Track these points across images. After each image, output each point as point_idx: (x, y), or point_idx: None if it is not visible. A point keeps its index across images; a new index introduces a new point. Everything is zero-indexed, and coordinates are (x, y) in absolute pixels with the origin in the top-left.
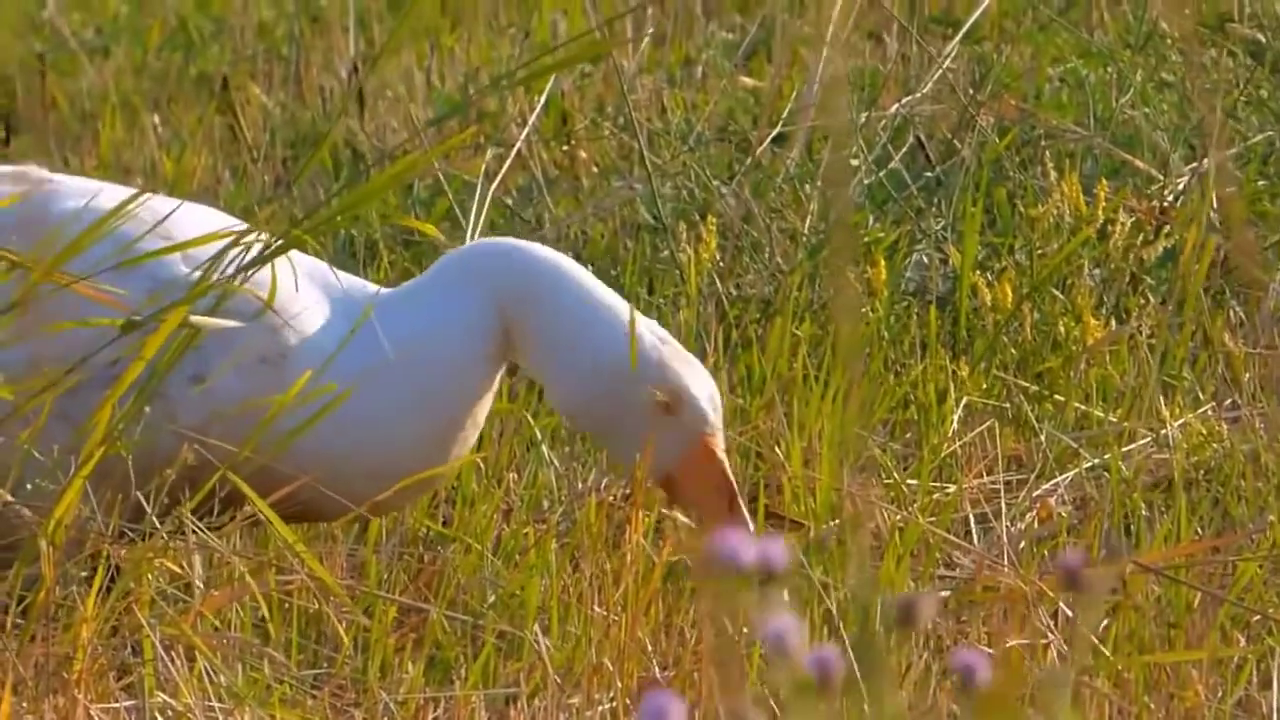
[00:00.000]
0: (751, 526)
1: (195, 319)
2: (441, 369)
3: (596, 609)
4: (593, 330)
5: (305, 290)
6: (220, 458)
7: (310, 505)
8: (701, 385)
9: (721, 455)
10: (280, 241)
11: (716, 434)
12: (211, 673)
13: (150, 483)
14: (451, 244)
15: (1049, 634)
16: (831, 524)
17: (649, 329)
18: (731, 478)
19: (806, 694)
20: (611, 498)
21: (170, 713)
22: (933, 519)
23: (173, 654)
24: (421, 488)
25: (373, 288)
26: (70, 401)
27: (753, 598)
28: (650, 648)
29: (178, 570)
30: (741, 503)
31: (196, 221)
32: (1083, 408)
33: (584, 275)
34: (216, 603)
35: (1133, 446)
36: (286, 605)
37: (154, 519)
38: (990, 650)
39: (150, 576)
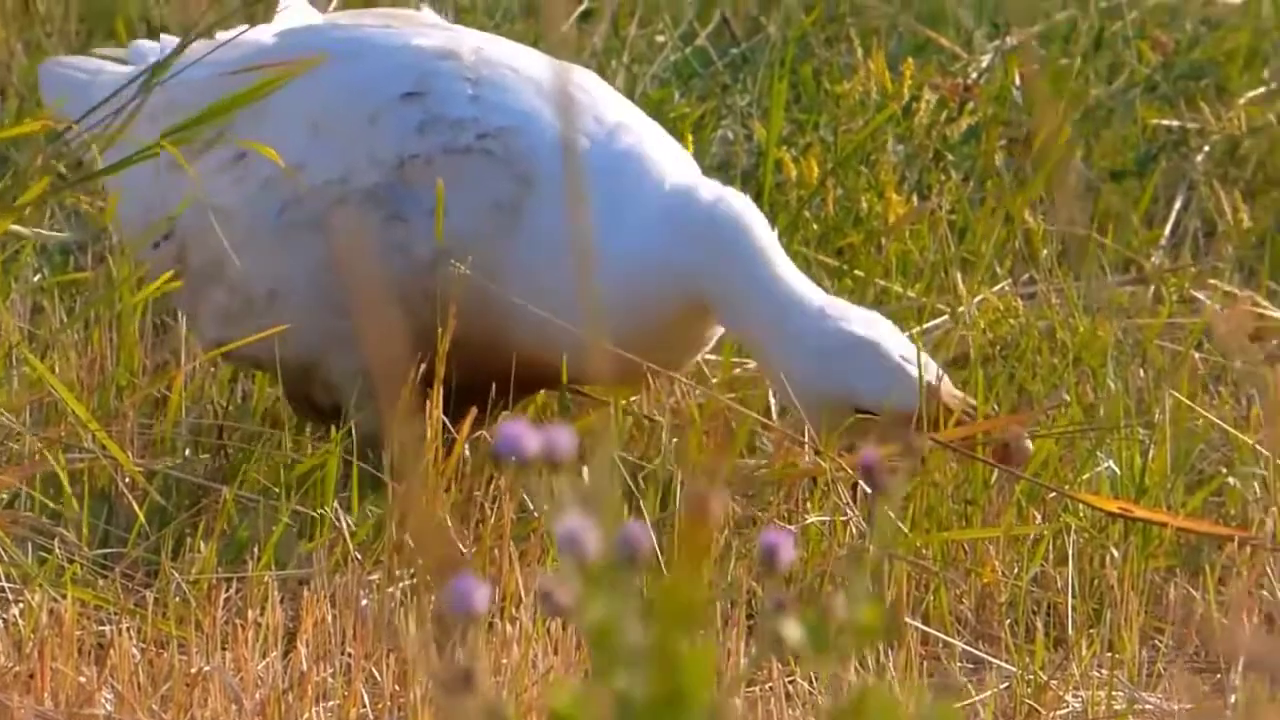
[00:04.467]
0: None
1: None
2: (626, 293)
3: (397, 485)
4: (775, 350)
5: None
6: (446, 300)
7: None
8: (886, 386)
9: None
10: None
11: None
12: (1, 552)
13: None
14: None
15: (848, 510)
16: (641, 408)
17: (825, 329)
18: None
19: (601, 586)
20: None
21: None
22: (733, 395)
23: None
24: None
25: (657, 174)
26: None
27: (546, 487)
28: (451, 525)
29: None
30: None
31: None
32: (883, 284)
33: (774, 256)
34: (6, 482)
35: (932, 324)
36: (78, 485)
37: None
38: (790, 527)
39: None
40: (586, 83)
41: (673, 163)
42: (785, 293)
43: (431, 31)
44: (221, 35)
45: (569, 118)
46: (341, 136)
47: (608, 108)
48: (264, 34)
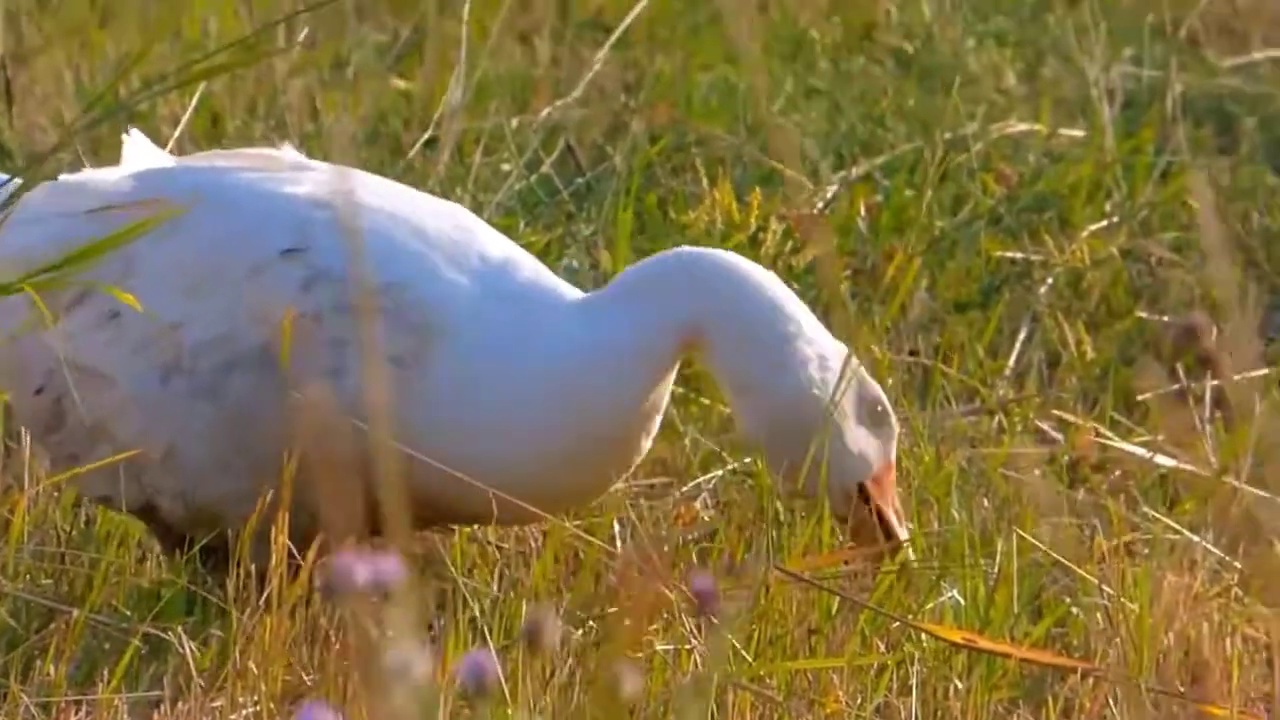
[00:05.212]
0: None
1: None
2: (598, 389)
3: (242, 611)
4: (786, 364)
5: (463, 288)
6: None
7: (450, 509)
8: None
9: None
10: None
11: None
12: None
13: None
14: None
15: (692, 639)
16: (478, 529)
17: (836, 352)
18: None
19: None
20: (263, 499)
21: None
22: (578, 523)
23: None
24: (580, 497)
25: (570, 296)
26: (212, 380)
27: (380, 617)
28: (295, 651)
29: None
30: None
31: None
32: (728, 410)
33: (776, 290)
34: None
35: None
36: None
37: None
38: (635, 655)
39: None
40: (465, 221)
41: (568, 287)
42: (785, 319)
43: (299, 176)
44: (66, 178)
45: (351, 225)
46: (221, 292)
47: (490, 244)
48: (115, 176)
